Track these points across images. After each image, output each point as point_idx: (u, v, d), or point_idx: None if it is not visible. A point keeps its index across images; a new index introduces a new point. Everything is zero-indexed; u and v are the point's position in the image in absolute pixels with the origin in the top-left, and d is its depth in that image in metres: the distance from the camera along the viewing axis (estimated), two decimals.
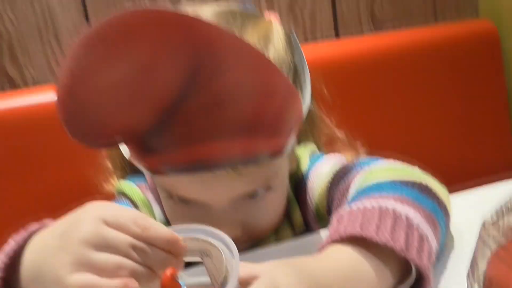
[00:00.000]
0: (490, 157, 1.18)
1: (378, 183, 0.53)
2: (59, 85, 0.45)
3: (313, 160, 0.69)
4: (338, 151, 0.75)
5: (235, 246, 0.42)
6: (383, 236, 0.44)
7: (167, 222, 0.65)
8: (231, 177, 0.53)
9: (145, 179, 0.69)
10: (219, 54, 0.45)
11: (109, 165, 0.75)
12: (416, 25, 1.23)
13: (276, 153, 0.54)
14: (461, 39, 1.15)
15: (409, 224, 0.46)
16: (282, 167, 0.60)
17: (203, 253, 0.44)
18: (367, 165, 0.61)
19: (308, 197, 0.66)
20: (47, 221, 0.48)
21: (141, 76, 0.45)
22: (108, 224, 0.40)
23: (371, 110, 1.09)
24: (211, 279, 0.45)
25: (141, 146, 0.52)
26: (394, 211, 0.46)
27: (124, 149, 0.58)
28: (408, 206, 0.48)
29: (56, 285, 0.40)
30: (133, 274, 0.39)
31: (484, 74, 1.16)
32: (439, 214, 0.51)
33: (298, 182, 0.68)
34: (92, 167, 0.78)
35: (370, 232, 0.44)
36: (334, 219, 0.49)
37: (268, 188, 0.58)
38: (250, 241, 0.61)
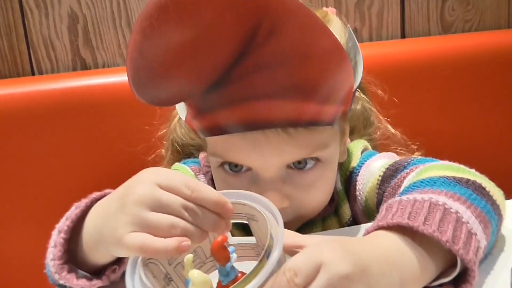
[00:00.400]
0: None
1: (431, 178, 0.52)
2: (130, 42, 0.48)
3: (365, 156, 0.69)
4: (393, 150, 0.75)
5: (279, 213, 0.43)
6: (430, 227, 0.44)
7: None
8: (282, 139, 0.54)
9: (199, 163, 0.72)
10: (278, 13, 0.47)
11: (165, 153, 0.79)
12: (487, 29, 1.20)
13: (326, 119, 0.55)
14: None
15: (458, 219, 0.45)
16: (332, 144, 0.60)
17: (250, 217, 0.45)
18: (421, 163, 0.60)
19: (357, 191, 0.67)
20: (108, 190, 0.52)
21: (206, 35, 0.48)
22: (161, 186, 0.43)
23: (432, 113, 1.07)
24: (257, 241, 0.46)
25: (198, 105, 0.55)
26: (444, 205, 0.46)
27: (181, 111, 0.61)
28: (459, 203, 0.47)
29: (115, 244, 0.43)
30: (185, 233, 0.41)
31: None
32: (491, 214, 0.50)
33: (348, 177, 0.68)
34: (148, 151, 0.82)
35: (418, 222, 0.44)
36: (383, 207, 0.49)
37: (316, 160, 0.59)
38: (296, 223, 0.62)
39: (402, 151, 0.78)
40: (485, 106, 1.09)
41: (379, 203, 0.64)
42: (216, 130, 0.55)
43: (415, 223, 0.44)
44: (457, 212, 0.46)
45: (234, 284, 0.39)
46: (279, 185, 0.58)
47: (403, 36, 1.17)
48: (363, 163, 0.68)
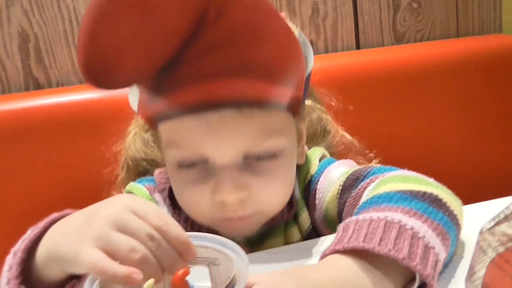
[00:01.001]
0: (507, 169, 1.16)
1: (387, 193, 0.53)
2: (81, 30, 0.49)
3: (324, 163, 0.69)
4: (351, 158, 0.75)
5: (245, 253, 0.43)
6: (386, 247, 0.44)
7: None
8: (236, 120, 0.55)
9: (154, 181, 0.71)
10: None
11: (120, 171, 0.78)
12: (438, 38, 1.23)
13: (279, 100, 0.56)
14: (483, 53, 1.14)
15: (414, 235, 0.46)
16: (287, 135, 0.61)
17: (211, 262, 0.45)
18: (380, 173, 0.61)
19: (317, 200, 0.67)
20: (67, 210, 0.51)
21: (156, 18, 0.48)
22: (133, 212, 0.43)
23: (390, 122, 1.09)
24: (212, 286, 0.46)
25: (151, 89, 0.55)
26: (400, 223, 0.47)
27: (133, 102, 0.61)
28: (415, 218, 0.48)
29: (72, 256, 0.43)
30: (144, 260, 0.41)
31: (504, 88, 1.15)
32: (448, 225, 0.50)
33: (307, 185, 0.69)
34: (103, 172, 0.80)
35: (373, 243, 0.44)
36: (340, 228, 0.50)
37: (273, 156, 0.59)
38: (258, 223, 0.62)
39: (360, 160, 0.79)
40: (438, 112, 1.12)
41: (340, 212, 0.64)
42: (170, 113, 0.55)
43: (370, 245, 0.44)
44: (412, 228, 0.46)
45: None
46: (236, 174, 0.57)
47: (358, 47, 1.19)
48: (322, 171, 0.68)
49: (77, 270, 0.44)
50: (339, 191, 0.64)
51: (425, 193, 0.52)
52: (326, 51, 1.17)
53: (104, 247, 0.41)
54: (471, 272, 0.32)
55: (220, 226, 0.62)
